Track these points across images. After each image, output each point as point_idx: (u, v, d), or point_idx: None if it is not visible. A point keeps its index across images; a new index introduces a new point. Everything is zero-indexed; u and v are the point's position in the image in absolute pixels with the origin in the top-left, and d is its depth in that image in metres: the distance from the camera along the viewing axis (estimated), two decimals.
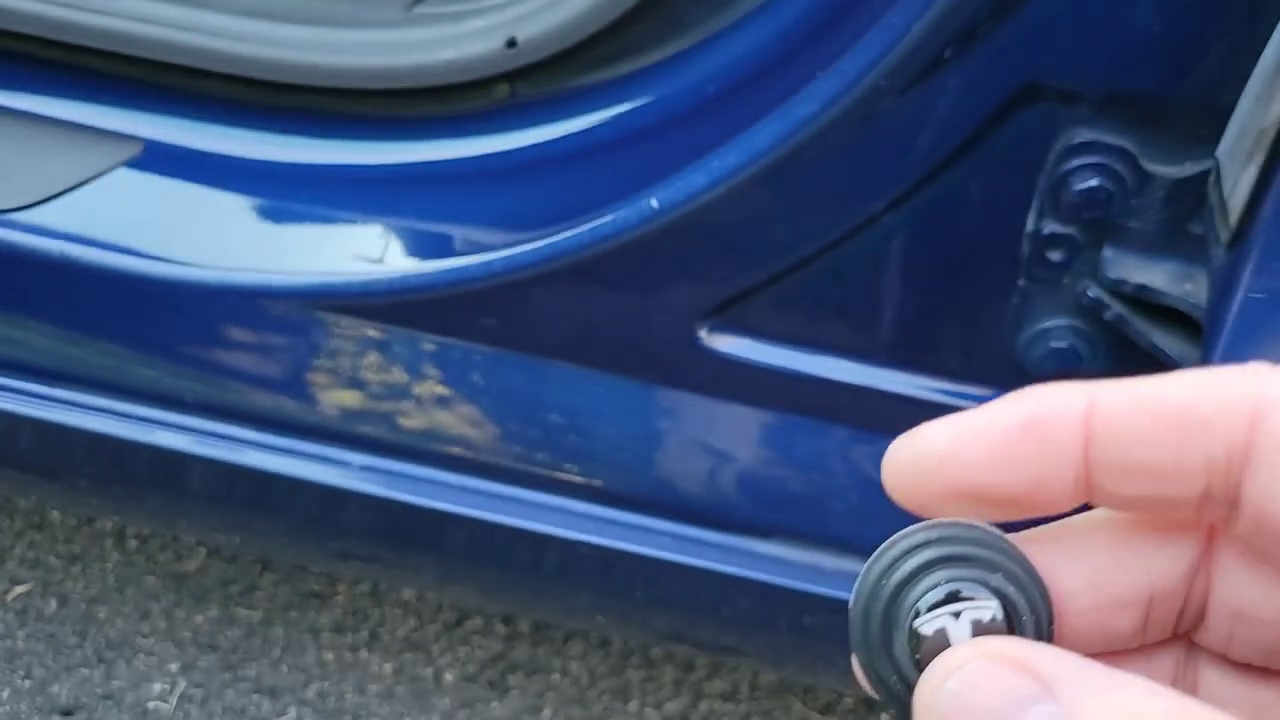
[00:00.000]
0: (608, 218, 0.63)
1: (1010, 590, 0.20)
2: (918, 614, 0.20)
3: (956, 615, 0.20)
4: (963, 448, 0.19)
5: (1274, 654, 0.20)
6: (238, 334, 0.73)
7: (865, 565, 0.21)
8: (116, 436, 0.75)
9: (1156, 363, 0.59)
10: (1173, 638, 0.21)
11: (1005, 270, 0.62)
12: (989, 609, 0.20)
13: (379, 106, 0.72)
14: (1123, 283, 0.58)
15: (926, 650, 0.20)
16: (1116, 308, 0.58)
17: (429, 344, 0.71)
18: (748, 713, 1.07)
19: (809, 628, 0.73)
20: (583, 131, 0.66)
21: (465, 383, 0.71)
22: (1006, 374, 0.65)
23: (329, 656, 1.09)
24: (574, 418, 0.70)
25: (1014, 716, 0.18)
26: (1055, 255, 0.60)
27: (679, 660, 1.10)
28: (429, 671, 1.08)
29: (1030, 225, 0.60)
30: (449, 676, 1.08)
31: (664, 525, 0.73)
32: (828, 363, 0.66)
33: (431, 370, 0.71)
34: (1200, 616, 0.20)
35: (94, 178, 0.74)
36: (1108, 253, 0.58)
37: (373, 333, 0.71)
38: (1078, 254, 0.59)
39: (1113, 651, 0.21)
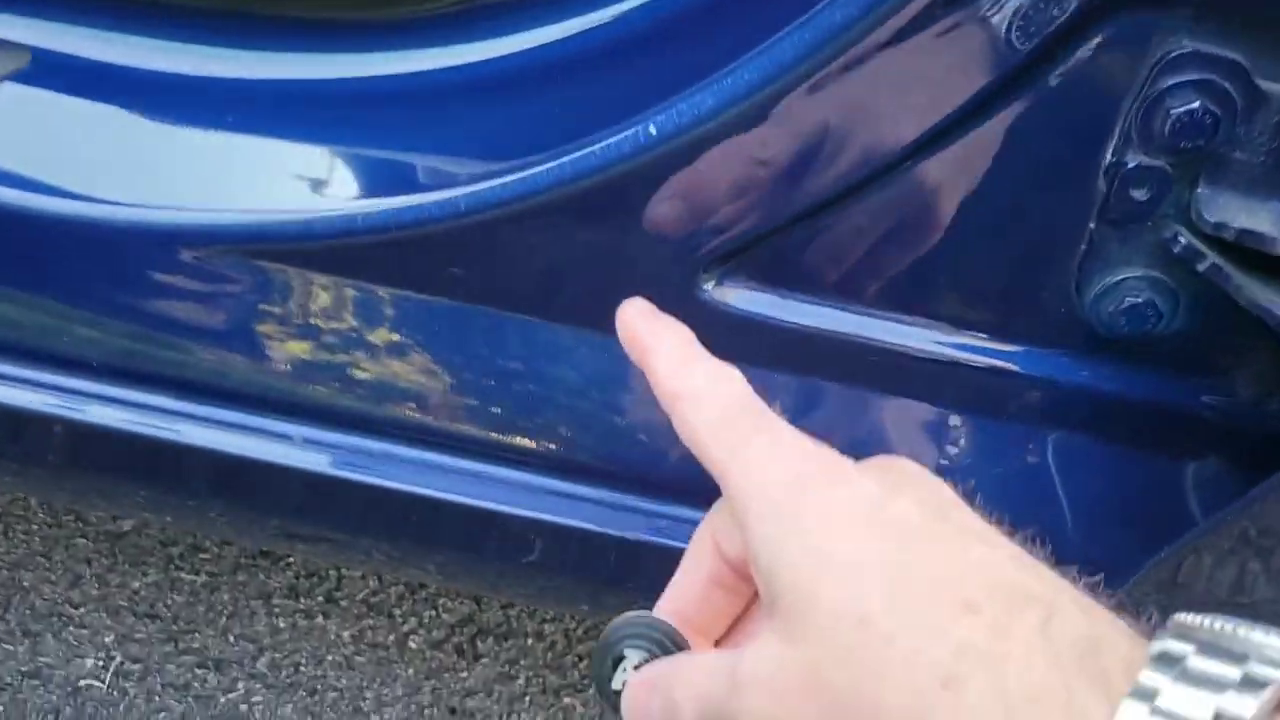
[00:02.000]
0: (595, 147, 0.52)
1: (654, 644, 0.41)
2: (615, 668, 0.41)
3: (634, 666, 0.41)
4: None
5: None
6: (158, 283, 0.62)
7: (598, 643, 0.42)
8: (20, 409, 0.64)
9: (1252, 322, 0.49)
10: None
11: (1074, 212, 0.52)
12: (643, 656, 0.41)
13: (319, 8, 0.60)
14: (1222, 227, 0.48)
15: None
16: (1211, 257, 0.49)
17: (383, 292, 0.60)
18: None
19: None
20: (566, 40, 0.55)
21: (428, 341, 0.60)
22: (1070, 332, 0.55)
23: (281, 624, 0.99)
24: (552, 383, 0.60)
25: (646, 714, 0.39)
26: (1139, 194, 0.49)
27: None
28: (391, 638, 0.99)
29: (1110, 157, 0.49)
30: (413, 643, 0.99)
31: (645, 504, 0.64)
32: (855, 319, 0.56)
33: (388, 323, 0.61)
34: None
35: None
36: (1204, 191, 0.48)
37: (317, 280, 0.60)
38: (1167, 192, 0.49)
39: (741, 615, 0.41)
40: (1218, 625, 0.29)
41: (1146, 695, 0.28)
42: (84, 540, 1.01)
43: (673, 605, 0.42)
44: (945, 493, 0.36)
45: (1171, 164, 0.48)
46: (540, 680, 0.98)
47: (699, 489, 0.59)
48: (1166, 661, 0.28)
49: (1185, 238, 0.49)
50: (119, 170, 0.62)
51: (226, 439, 0.66)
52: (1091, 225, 0.51)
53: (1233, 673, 0.27)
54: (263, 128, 0.61)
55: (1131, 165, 0.49)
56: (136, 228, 0.61)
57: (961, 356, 0.57)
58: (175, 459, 0.67)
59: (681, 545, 0.65)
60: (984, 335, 0.57)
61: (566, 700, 0.97)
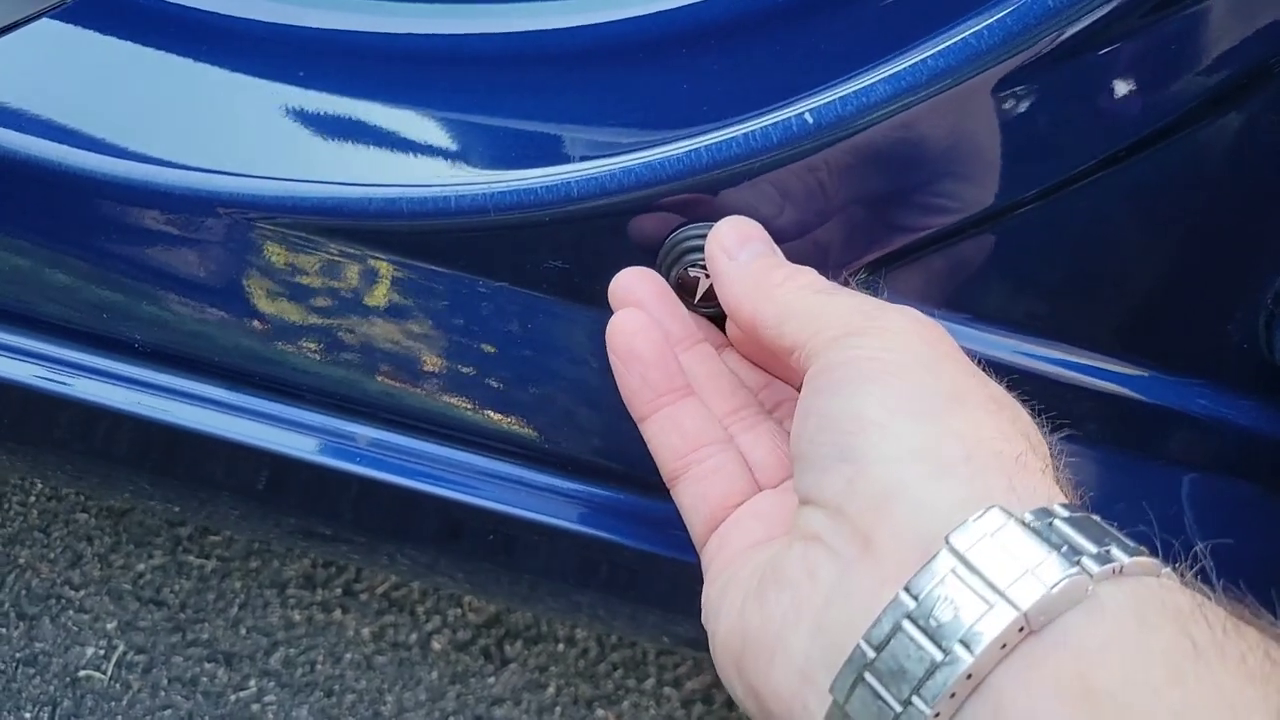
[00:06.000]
0: (737, 132, 0.46)
1: None
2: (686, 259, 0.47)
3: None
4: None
5: None
6: (196, 253, 0.55)
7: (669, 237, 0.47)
8: (22, 384, 0.57)
9: None
10: None
11: (1272, 241, 0.46)
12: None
13: None
14: None
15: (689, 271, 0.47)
16: None
17: (447, 280, 0.53)
18: None
19: None
20: (710, 3, 0.48)
21: (503, 336, 0.54)
22: (1247, 368, 0.49)
23: (296, 617, 0.93)
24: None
25: (740, 247, 0.44)
26: None
27: None
28: (414, 638, 0.93)
29: None
30: (437, 644, 0.93)
31: None
32: (1012, 344, 0.50)
33: (430, 310, 0.54)
34: None
35: (4, 30, 0.54)
36: None
37: (343, 249, 0.53)
38: None
39: None
40: (1095, 516, 0.33)
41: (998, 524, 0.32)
42: (85, 516, 0.94)
43: None
44: None
45: None
46: (571, 689, 0.92)
47: None
48: (1045, 514, 0.33)
49: None
50: (164, 126, 0.55)
51: (241, 427, 0.59)
52: None
53: (1090, 548, 0.31)
54: (338, 86, 0.54)
55: None
56: (187, 191, 0.54)
57: (1116, 389, 0.51)
58: (186, 446, 0.61)
59: None
60: (1146, 368, 0.51)
61: (599, 712, 0.91)
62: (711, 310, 0.48)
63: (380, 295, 0.54)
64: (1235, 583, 0.55)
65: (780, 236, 0.47)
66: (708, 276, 0.46)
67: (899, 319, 0.39)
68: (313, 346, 0.56)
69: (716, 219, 0.46)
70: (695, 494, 0.45)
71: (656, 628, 0.69)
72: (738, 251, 0.44)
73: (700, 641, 0.71)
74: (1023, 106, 0.43)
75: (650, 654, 0.95)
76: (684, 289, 0.48)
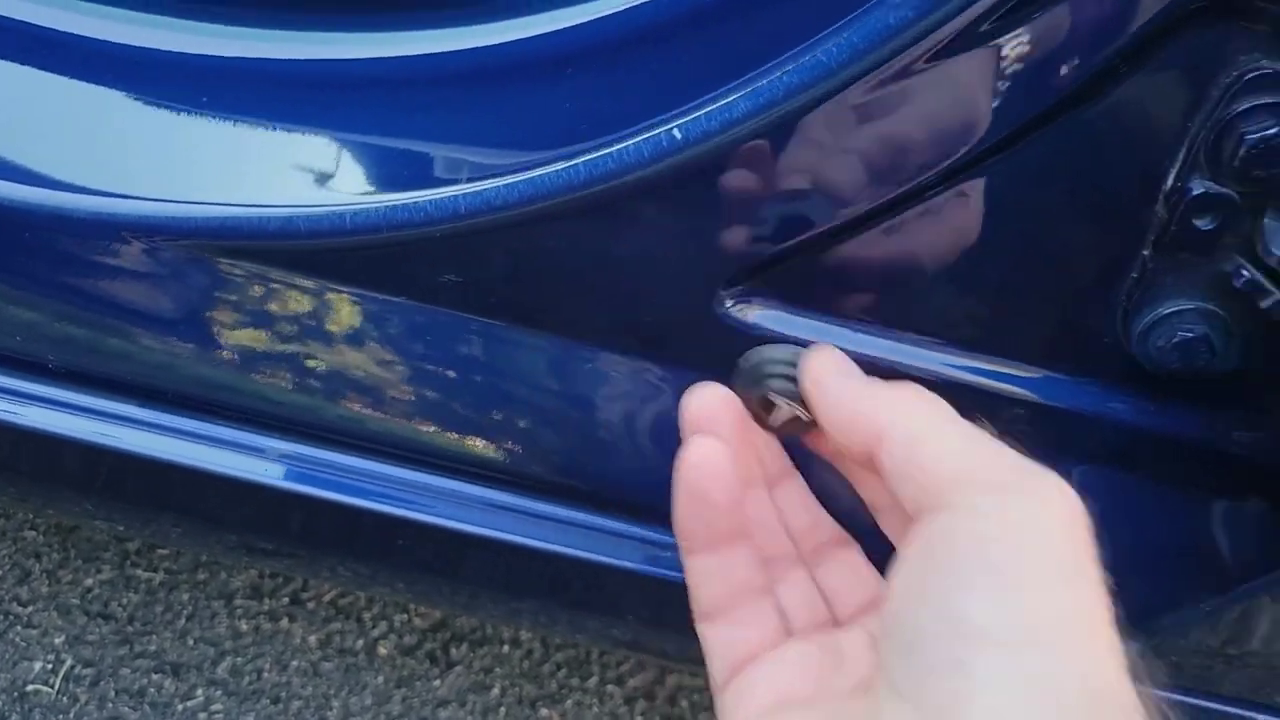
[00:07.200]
0: (611, 149, 0.48)
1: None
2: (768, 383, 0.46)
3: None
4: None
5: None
6: (110, 279, 0.57)
7: (744, 358, 0.48)
8: None
9: None
10: None
11: (1127, 239, 0.48)
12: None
13: None
14: None
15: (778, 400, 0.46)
16: (1277, 293, 0.45)
17: (366, 298, 0.55)
18: None
19: None
20: (590, 25, 0.50)
21: (408, 351, 0.56)
22: (1110, 362, 0.52)
23: (243, 626, 0.94)
24: (544, 402, 0.55)
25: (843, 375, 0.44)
26: (1203, 223, 0.46)
27: None
28: (360, 644, 0.95)
29: (1171, 182, 0.46)
30: (383, 649, 0.95)
31: (623, 528, 0.60)
32: (887, 344, 0.52)
33: (362, 331, 0.56)
34: None
35: None
36: (1272, 222, 0.45)
37: (292, 283, 0.55)
38: (1232, 222, 0.45)
39: None
40: None
41: None
42: (33, 533, 0.96)
43: None
44: None
45: (1240, 192, 0.45)
46: (516, 690, 0.94)
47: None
48: None
49: (1249, 271, 0.46)
50: (71, 152, 0.57)
51: (180, 448, 0.61)
52: (1146, 253, 0.48)
53: None
54: (239, 110, 0.56)
55: (1196, 192, 0.45)
56: (93, 216, 0.55)
57: (993, 385, 0.54)
58: (126, 469, 0.63)
59: (666, 572, 0.62)
60: (1018, 364, 0.53)
61: (543, 712, 0.93)
62: (787, 436, 0.48)
63: (289, 313, 0.56)
64: (1131, 567, 0.57)
65: (665, 243, 0.49)
66: (790, 404, 0.46)
67: (1046, 487, 0.38)
68: (230, 364, 0.58)
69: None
70: (725, 640, 0.45)
71: (596, 632, 0.71)
72: (842, 377, 0.44)
73: (637, 643, 0.73)
74: (876, 116, 0.45)
75: (594, 653, 0.97)
76: (759, 409, 0.47)
